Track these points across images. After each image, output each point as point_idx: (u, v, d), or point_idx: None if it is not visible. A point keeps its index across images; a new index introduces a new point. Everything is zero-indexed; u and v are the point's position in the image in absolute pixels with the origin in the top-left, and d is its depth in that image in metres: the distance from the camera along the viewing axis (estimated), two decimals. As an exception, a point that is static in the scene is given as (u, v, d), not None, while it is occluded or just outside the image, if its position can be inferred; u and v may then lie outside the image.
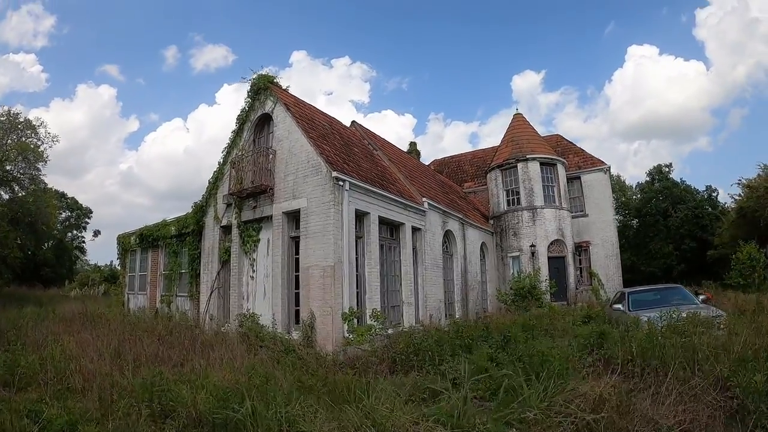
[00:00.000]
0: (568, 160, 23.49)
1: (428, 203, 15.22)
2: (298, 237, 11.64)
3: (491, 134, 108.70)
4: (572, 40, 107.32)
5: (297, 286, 11.69)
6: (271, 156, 12.21)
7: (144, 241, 16.76)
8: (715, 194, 38.93)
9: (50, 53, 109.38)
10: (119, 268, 19.24)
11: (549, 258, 20.28)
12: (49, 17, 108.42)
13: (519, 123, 23.58)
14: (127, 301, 17.78)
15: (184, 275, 14.93)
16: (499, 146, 23.76)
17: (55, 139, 28.05)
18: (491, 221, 21.95)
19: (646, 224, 36.50)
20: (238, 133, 13.53)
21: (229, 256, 13.23)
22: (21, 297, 24.66)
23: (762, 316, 8.87)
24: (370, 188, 12.15)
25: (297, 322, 11.47)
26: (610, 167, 23.79)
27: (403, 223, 13.81)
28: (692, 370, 5.73)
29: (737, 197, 29.34)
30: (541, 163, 21.37)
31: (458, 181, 27.35)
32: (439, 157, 37.54)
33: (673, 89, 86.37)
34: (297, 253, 11.81)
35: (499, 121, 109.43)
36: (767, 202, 24.21)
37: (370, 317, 11.05)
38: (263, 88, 13.04)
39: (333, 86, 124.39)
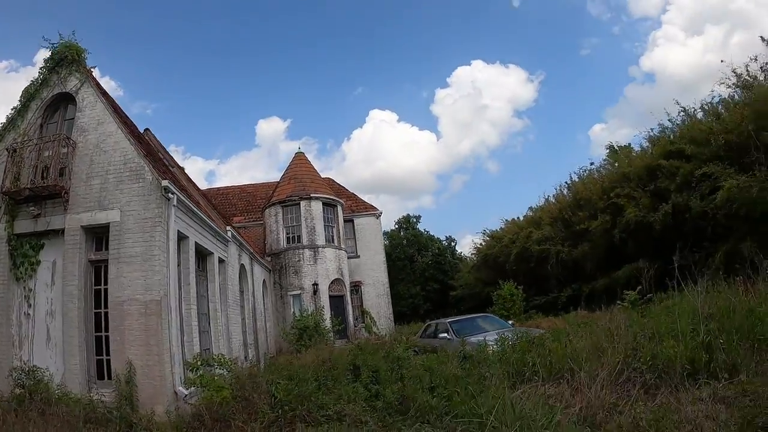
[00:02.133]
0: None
1: (231, 233, 13.05)
2: (104, 261, 8.69)
3: (228, 174, 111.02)
4: (322, 96, 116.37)
5: (99, 328, 8.57)
6: (69, 149, 8.87)
7: None
8: (454, 243, 46.19)
9: None
10: None
11: (330, 296, 20.19)
12: None
13: (301, 161, 23.33)
14: None
15: None
16: (279, 182, 23.14)
17: None
18: (269, 258, 20.74)
19: (396, 268, 39.85)
20: (20, 113, 9.80)
21: (-4, 283, 9.37)
22: None
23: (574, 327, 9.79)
24: (192, 207, 9.66)
25: (102, 377, 8.38)
26: (381, 213, 25.29)
27: (212, 253, 11.60)
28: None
29: (480, 245, 34.57)
30: (324, 203, 21.41)
31: (227, 215, 25.78)
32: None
33: (405, 153, 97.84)
34: (99, 282, 8.71)
35: (238, 162, 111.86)
36: (511, 250, 28.90)
37: (205, 364, 8.52)
38: (68, 60, 9.61)
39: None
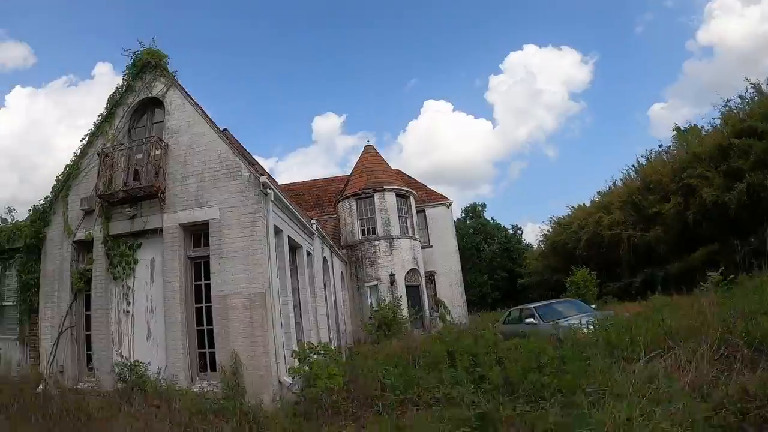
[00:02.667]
0: (413, 194, 23.86)
1: (315, 226, 13.27)
2: (202, 257, 8.92)
3: (287, 171, 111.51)
4: (376, 89, 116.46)
5: (200, 322, 8.80)
6: (161, 151, 9.14)
7: None
8: (520, 231, 45.41)
9: None
10: None
11: (406, 287, 20.17)
12: None
13: (371, 154, 23.42)
14: None
15: (9, 310, 10.64)
16: (350, 176, 23.27)
17: None
18: (344, 250, 20.89)
19: (463, 257, 40.66)
20: (107, 119, 10.10)
21: (88, 283, 9.64)
22: None
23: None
24: (286, 202, 9.93)
25: (204, 369, 8.60)
26: (452, 202, 25.04)
27: (301, 246, 11.81)
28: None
29: (547, 232, 34.27)
30: (397, 195, 21.40)
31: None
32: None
33: (462, 142, 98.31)
34: (198, 278, 8.95)
35: (296, 159, 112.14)
36: (580, 236, 28.48)
37: (313, 353, 8.76)
38: (151, 66, 9.90)
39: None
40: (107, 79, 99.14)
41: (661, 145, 31.14)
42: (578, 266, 22.65)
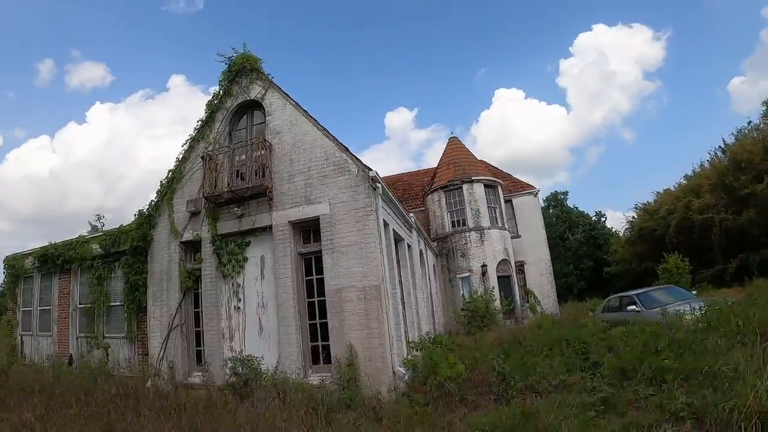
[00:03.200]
0: (499, 184, 23.77)
1: (413, 219, 13.37)
2: (312, 252, 9.08)
3: None
4: (446, 81, 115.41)
5: (312, 316, 8.95)
6: (266, 151, 9.37)
7: (47, 263, 12.09)
8: (603, 219, 43.22)
9: None
10: (8, 300, 13.78)
11: (497, 277, 19.96)
12: None
13: (456, 146, 23.34)
14: (20, 346, 12.70)
15: (117, 309, 11.00)
16: (437, 169, 23.17)
17: None
18: (434, 243, 20.83)
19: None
20: (207, 123, 10.41)
21: (197, 281, 9.89)
22: None
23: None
24: (392, 197, 10.07)
25: (316, 362, 8.73)
26: (539, 191, 24.50)
27: (402, 239, 11.91)
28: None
29: (633, 219, 33.10)
30: (485, 185, 21.24)
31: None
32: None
33: (536, 130, 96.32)
34: (308, 273, 9.11)
35: (371, 155, 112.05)
36: (669, 222, 27.41)
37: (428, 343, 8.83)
38: (247, 70, 10.17)
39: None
40: (182, 90, 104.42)
41: (750, 122, 29.45)
42: (669, 253, 22.08)
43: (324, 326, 8.92)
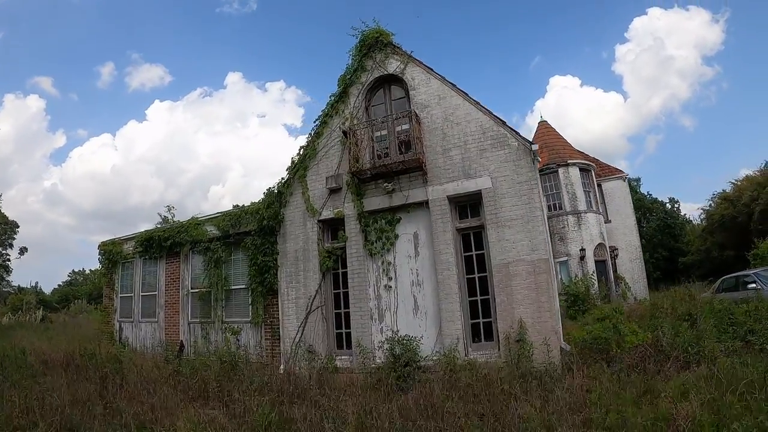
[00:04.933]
0: (588, 168, 23.77)
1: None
2: (471, 228, 8.88)
3: None
4: (500, 69, 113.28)
5: (472, 293, 8.72)
6: (413, 125, 9.11)
7: (152, 247, 11.40)
8: (677, 205, 42.57)
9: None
10: (104, 286, 13.00)
11: (595, 262, 19.85)
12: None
13: (547, 129, 23.23)
14: (119, 332, 11.89)
15: (238, 293, 10.46)
16: None
17: None
18: None
19: None
20: (341, 98, 10.00)
21: (336, 261, 9.48)
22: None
23: None
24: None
25: (477, 338, 8.47)
26: (628, 175, 24.44)
27: None
28: None
29: (710, 207, 32.99)
30: (580, 169, 21.11)
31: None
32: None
33: (592, 118, 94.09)
34: (466, 249, 8.88)
35: None
36: (752, 209, 27.23)
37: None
38: (381, 45, 9.87)
39: (266, 109, 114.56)
40: (239, 87, 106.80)
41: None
42: (762, 238, 21.33)
43: (484, 303, 8.66)
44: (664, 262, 37.62)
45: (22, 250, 35.95)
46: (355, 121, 9.94)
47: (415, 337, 8.65)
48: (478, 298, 8.95)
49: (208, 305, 10.86)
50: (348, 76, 10.30)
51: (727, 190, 33.32)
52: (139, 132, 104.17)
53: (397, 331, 9.07)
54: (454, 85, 9.60)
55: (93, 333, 13.53)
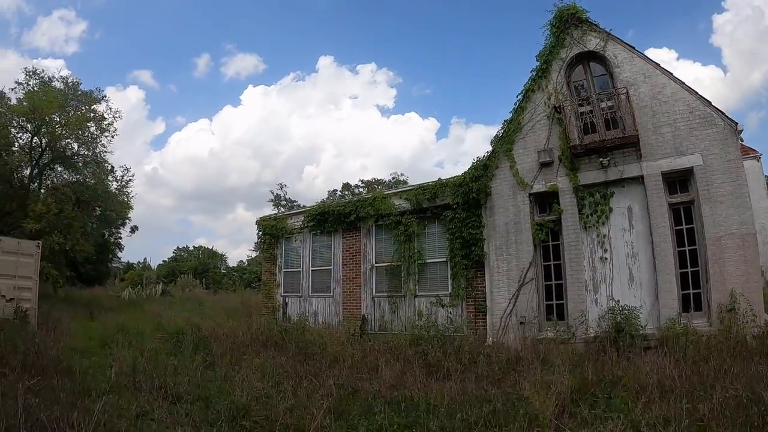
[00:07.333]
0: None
1: None
2: (682, 203, 9.97)
3: None
4: None
5: (683, 265, 9.70)
6: (621, 102, 9.58)
7: (327, 222, 10.77)
8: None
9: (81, 58, 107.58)
10: (264, 261, 12.23)
11: None
12: (80, 23, 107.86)
13: None
14: (283, 307, 11.06)
15: (433, 266, 10.50)
16: None
17: (117, 114, 25.04)
18: None
19: None
20: (542, 74, 10.31)
21: (548, 234, 9.74)
22: (74, 299, 21.41)
23: None
24: None
25: (686, 309, 9.38)
26: (761, 155, 23.00)
27: None
28: None
29: None
30: None
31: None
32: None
33: None
34: (676, 223, 9.62)
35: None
36: None
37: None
38: (578, 21, 10.10)
39: (358, 91, 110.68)
40: (331, 70, 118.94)
41: None
42: None
43: (694, 274, 9.41)
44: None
45: (133, 229, 38.12)
46: (561, 97, 10.02)
47: (635, 308, 9.14)
48: (689, 269, 9.66)
49: (398, 279, 11.06)
50: (547, 52, 10.48)
51: None
52: (234, 116, 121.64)
53: (618, 301, 9.51)
54: (657, 65, 10.35)
55: (233, 307, 12.44)
